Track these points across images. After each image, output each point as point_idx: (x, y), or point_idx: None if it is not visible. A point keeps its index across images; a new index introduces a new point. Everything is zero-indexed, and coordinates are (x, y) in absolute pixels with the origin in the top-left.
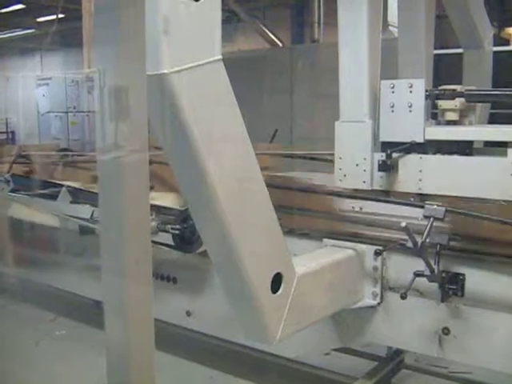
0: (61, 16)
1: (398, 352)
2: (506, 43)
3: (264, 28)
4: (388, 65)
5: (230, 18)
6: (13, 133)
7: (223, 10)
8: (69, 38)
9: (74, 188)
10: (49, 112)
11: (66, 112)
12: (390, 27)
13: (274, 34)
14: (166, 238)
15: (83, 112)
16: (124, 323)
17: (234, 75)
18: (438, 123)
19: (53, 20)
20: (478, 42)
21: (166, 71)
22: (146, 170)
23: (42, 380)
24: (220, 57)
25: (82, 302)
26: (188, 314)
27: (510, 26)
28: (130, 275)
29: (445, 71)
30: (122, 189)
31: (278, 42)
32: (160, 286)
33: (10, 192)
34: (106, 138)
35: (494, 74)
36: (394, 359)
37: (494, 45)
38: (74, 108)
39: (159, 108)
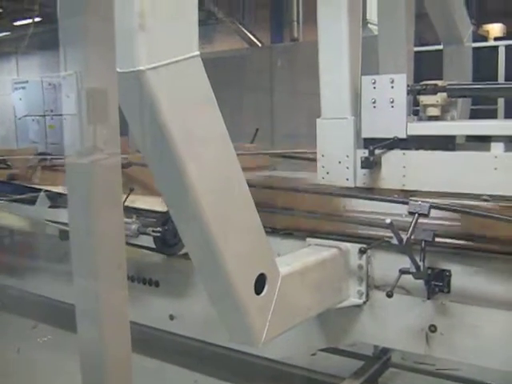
0: (37, 20)
1: (385, 351)
2: (484, 40)
3: (242, 28)
4: (366, 63)
5: (207, 19)
6: None
7: (201, 11)
8: (45, 41)
9: (53, 192)
10: (26, 116)
11: (44, 115)
12: (369, 25)
13: (252, 34)
14: (148, 240)
15: (60, 115)
16: (98, 328)
17: (213, 75)
18: (420, 119)
19: (29, 24)
20: (457, 38)
21: (142, 68)
22: (119, 173)
23: None
24: (198, 53)
25: (64, 308)
26: (171, 317)
27: (487, 23)
28: (104, 279)
29: (424, 69)
30: (93, 192)
31: (257, 42)
32: (142, 290)
33: None
34: (77, 140)
35: (473, 70)
36: (380, 358)
37: (473, 42)
38: (52, 111)
39: (134, 107)
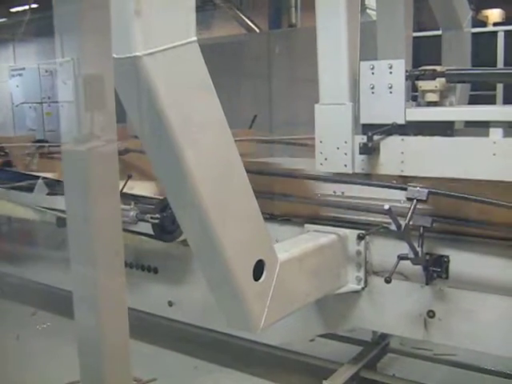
0: (34, 6)
1: (384, 336)
2: (483, 25)
3: (240, 14)
4: (365, 49)
5: (205, 5)
6: None
7: None
8: (42, 27)
9: (51, 179)
10: (23, 103)
11: (41, 102)
12: (367, 10)
13: (250, 20)
14: (146, 227)
15: (58, 102)
16: (96, 315)
17: (211, 61)
18: (419, 105)
19: (26, 10)
20: (456, 23)
21: (138, 54)
22: (115, 159)
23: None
24: (195, 38)
25: (63, 295)
26: (170, 304)
27: (486, 8)
28: (102, 266)
29: (423, 54)
30: (89, 179)
31: (255, 28)
32: (141, 277)
33: None
34: (73, 127)
35: (472, 56)
36: (379, 344)
37: (472, 27)
38: (49, 98)
39: (131, 93)
